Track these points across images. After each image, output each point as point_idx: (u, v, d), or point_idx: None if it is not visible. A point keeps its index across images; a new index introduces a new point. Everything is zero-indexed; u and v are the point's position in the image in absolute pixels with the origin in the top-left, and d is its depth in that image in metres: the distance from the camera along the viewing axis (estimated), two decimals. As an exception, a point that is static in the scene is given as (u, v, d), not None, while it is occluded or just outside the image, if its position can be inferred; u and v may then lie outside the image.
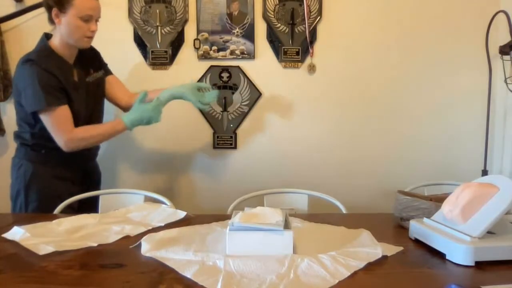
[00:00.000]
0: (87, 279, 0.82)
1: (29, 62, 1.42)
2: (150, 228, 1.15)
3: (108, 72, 1.72)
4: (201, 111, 2.09)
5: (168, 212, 1.29)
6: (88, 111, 1.57)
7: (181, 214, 1.26)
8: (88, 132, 1.49)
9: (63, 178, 1.54)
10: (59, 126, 1.44)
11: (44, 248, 0.94)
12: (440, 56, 2.09)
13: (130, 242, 1.00)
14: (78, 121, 1.50)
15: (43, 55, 1.47)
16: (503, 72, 1.93)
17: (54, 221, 1.16)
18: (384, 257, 0.91)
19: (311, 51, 2.06)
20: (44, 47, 1.50)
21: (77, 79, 1.55)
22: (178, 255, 0.90)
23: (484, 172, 2.04)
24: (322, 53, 2.08)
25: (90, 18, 1.45)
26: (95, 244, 1.00)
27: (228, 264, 0.84)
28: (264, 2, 2.04)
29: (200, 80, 2.05)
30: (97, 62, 1.66)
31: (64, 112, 1.44)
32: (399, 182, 1.94)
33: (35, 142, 1.52)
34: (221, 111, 2.10)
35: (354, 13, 2.06)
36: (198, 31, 2.05)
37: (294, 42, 2.07)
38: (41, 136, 1.50)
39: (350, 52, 2.08)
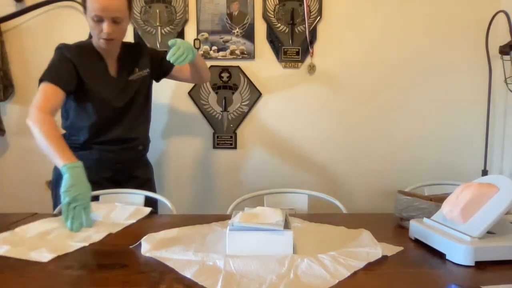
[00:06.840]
0: (87, 279, 0.82)
1: (56, 50, 1.44)
2: (121, 228, 1.12)
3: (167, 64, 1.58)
4: (202, 111, 2.10)
5: (130, 210, 1.26)
6: (121, 105, 1.53)
7: (146, 210, 1.26)
8: (41, 128, 1.27)
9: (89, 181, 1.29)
10: (37, 98, 1.33)
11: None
12: (440, 56, 2.09)
13: (130, 242, 1.00)
14: (108, 113, 1.50)
15: (74, 45, 1.47)
16: (503, 72, 1.93)
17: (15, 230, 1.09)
18: (384, 257, 0.91)
19: (311, 51, 2.06)
20: (85, 41, 1.52)
21: (115, 75, 1.53)
22: (178, 255, 0.90)
23: (484, 172, 2.04)
24: (322, 53, 2.08)
25: (100, 19, 1.38)
26: (53, 255, 0.91)
27: (228, 264, 0.84)
28: (264, 2, 2.04)
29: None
30: (144, 61, 1.60)
31: (51, 91, 1.35)
32: (399, 182, 1.94)
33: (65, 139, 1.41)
34: (221, 111, 2.10)
35: (354, 13, 2.06)
36: (198, 31, 2.05)
37: (294, 42, 2.07)
38: (69, 133, 1.51)
39: (350, 52, 2.08)
